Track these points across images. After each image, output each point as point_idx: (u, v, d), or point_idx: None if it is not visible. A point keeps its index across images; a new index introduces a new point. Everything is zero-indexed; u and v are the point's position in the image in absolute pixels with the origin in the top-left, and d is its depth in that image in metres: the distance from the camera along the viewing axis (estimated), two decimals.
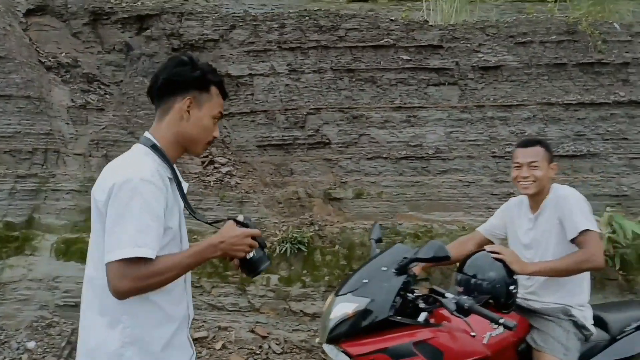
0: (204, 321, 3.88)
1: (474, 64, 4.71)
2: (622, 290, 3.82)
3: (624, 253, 3.72)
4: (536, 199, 2.52)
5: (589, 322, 2.43)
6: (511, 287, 2.25)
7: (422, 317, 2.17)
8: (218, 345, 3.69)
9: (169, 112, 1.60)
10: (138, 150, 1.59)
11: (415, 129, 4.50)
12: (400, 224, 4.09)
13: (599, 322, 2.49)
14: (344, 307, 2.15)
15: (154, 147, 1.57)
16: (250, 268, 1.61)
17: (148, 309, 1.51)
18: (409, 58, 4.76)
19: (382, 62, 4.73)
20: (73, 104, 4.67)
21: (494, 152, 4.39)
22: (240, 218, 1.61)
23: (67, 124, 4.59)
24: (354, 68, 4.70)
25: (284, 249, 3.86)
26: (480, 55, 4.77)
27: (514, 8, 5.29)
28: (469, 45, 4.82)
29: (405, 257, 2.17)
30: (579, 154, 4.34)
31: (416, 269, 2.40)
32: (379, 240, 2.68)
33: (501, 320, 1.95)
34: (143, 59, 4.81)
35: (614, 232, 3.67)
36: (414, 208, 4.23)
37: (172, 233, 1.54)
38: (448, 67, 4.69)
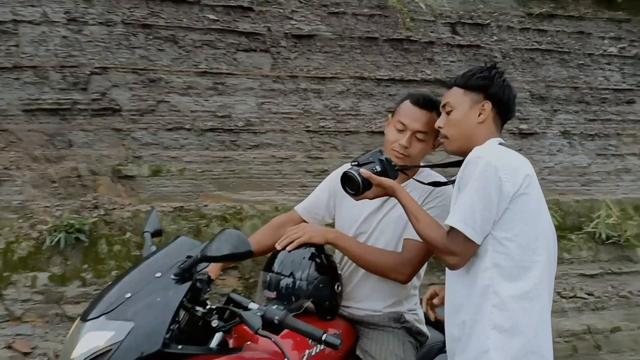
0: None
1: (287, 31, 4.33)
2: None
3: None
4: None
5: (422, 326, 2.04)
6: (336, 286, 1.86)
7: (216, 340, 1.57)
8: None
9: None
10: None
11: (224, 97, 3.97)
12: (205, 205, 3.55)
13: (430, 321, 2.08)
14: (92, 339, 1.42)
15: None
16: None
17: None
18: (216, 18, 4.21)
19: (184, 20, 4.10)
20: None
21: (308, 127, 4.07)
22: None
23: None
24: (151, 24, 3.98)
25: (56, 239, 3.05)
26: (294, 22, 4.42)
27: None
28: (281, 10, 4.43)
29: (189, 256, 1.54)
30: None
31: (210, 270, 1.77)
32: (156, 233, 1.91)
33: (324, 337, 1.45)
34: None
35: None
36: (221, 187, 3.71)
37: None
38: (259, 32, 4.24)
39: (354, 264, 1.94)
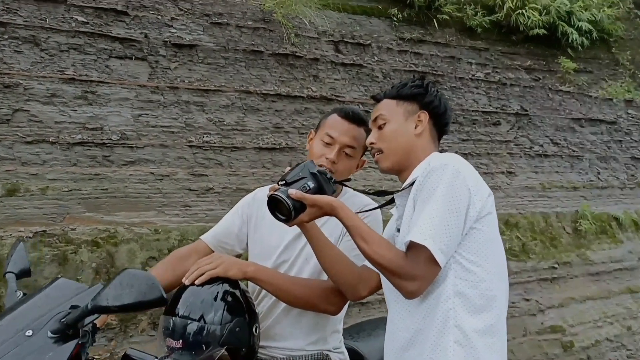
0: None
1: (166, 39, 4.04)
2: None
3: None
4: None
5: None
6: (254, 328, 1.57)
7: None
8: None
9: None
10: None
11: (94, 108, 3.56)
12: (72, 229, 3.12)
13: (354, 357, 1.92)
14: None
15: None
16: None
17: None
18: (86, 21, 3.80)
19: (47, 20, 3.65)
20: None
21: (191, 141, 3.79)
22: None
23: None
24: (6, 21, 3.48)
25: None
26: (173, 30, 4.14)
27: None
28: (159, 17, 4.14)
29: (75, 306, 1.21)
30: (278, 146, 4.10)
31: (100, 320, 1.47)
32: (23, 274, 1.51)
33: None
34: None
35: None
36: (92, 208, 3.29)
37: None
38: (135, 39, 3.91)
39: (273, 298, 1.70)
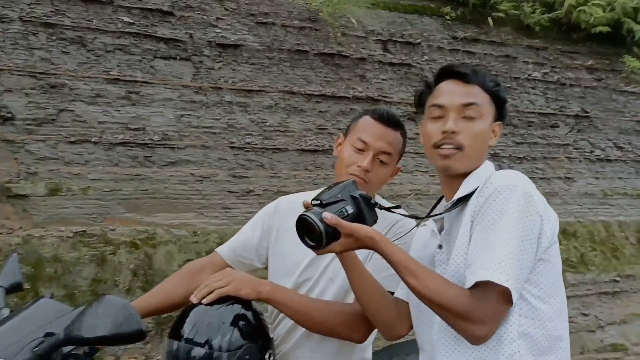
0: None
1: (211, 39, 4.01)
2: None
3: None
4: None
5: None
6: (267, 355, 1.39)
7: None
8: None
9: None
10: None
11: (138, 108, 3.56)
12: (112, 230, 3.11)
13: None
14: None
15: None
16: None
17: None
18: (132, 21, 3.81)
19: (94, 21, 3.67)
20: None
21: (232, 143, 3.73)
22: None
23: None
24: (54, 22, 3.53)
25: None
26: (218, 30, 4.10)
27: None
28: (204, 17, 4.11)
29: (49, 333, 1.08)
30: (321, 148, 3.99)
31: None
32: (14, 288, 1.40)
33: None
34: None
35: None
36: (132, 208, 3.28)
37: None
38: (180, 39, 3.89)
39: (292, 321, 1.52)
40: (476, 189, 1.25)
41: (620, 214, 5.02)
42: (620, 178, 5.20)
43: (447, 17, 5.40)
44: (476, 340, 1.16)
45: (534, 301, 1.18)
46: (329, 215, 1.18)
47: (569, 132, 5.21)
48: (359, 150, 1.53)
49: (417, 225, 1.43)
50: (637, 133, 5.56)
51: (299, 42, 4.33)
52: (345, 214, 1.22)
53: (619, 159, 5.28)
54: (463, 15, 5.53)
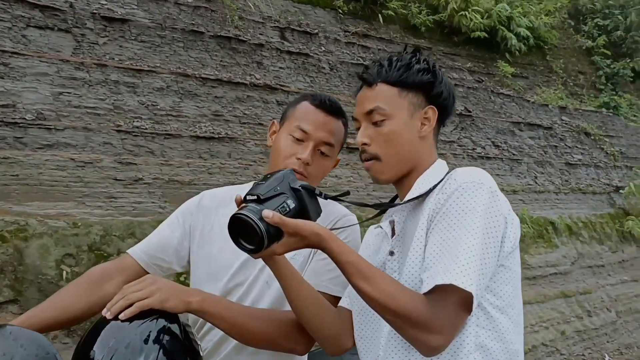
0: None
1: (95, 11, 3.62)
2: None
3: None
4: None
5: None
6: None
7: None
8: None
9: None
10: None
11: (7, 82, 3.10)
12: None
13: None
14: None
15: None
16: None
17: None
18: None
19: None
20: None
21: (119, 126, 3.40)
22: None
23: None
24: None
25: None
26: (103, 2, 3.71)
27: None
28: None
29: None
30: (217, 136, 3.77)
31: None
32: None
33: None
34: None
35: None
36: (1, 196, 2.84)
37: None
38: (58, 7, 3.47)
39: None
40: (433, 187, 1.14)
41: None
42: (497, 174, 5.55)
43: (340, 11, 5.41)
44: (430, 351, 1.05)
45: (493, 311, 1.09)
46: (270, 214, 1.01)
47: (454, 129, 5.46)
48: (298, 140, 1.36)
49: (370, 219, 1.30)
50: (511, 133, 5.98)
51: (193, 22, 4.06)
52: (287, 209, 1.05)
53: (497, 156, 5.64)
54: (355, 10, 5.57)
